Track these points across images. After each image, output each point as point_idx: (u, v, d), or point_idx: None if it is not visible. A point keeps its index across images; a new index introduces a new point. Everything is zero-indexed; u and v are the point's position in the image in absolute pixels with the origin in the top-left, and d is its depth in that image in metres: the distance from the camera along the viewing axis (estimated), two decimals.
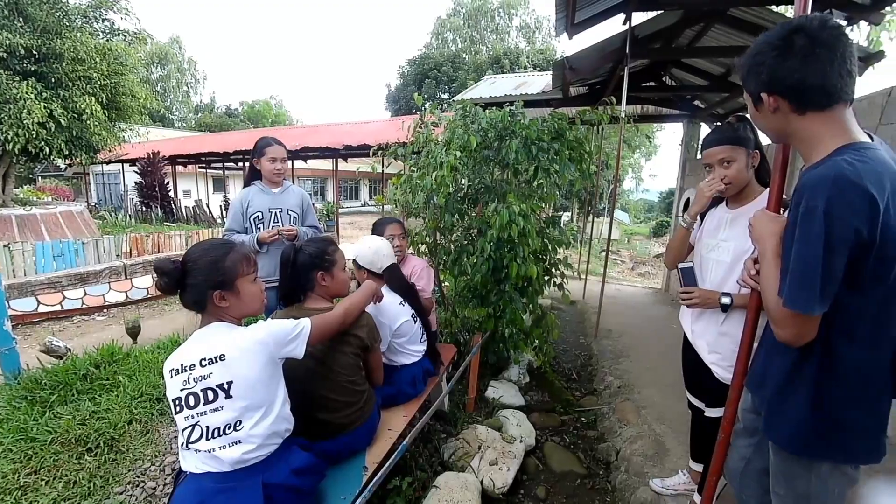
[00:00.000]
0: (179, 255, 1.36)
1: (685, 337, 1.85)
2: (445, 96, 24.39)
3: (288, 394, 1.70)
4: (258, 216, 2.59)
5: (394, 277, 2.13)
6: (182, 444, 1.27)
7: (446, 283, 3.52)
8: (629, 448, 2.59)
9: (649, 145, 18.68)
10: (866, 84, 16.43)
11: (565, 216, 16.35)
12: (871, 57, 4.77)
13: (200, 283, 1.29)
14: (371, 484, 1.52)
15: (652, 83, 6.84)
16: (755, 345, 1.58)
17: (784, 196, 1.27)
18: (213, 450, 1.23)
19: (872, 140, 1.02)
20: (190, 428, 1.24)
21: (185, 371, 1.26)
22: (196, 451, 1.24)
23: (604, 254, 4.97)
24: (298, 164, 15.76)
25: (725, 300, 1.60)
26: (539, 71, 10.21)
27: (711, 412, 1.78)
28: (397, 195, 2.86)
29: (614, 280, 8.01)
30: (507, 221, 2.36)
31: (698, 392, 1.86)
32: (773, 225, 1.13)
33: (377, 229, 2.62)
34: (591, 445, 2.87)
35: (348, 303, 1.66)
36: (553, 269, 3.07)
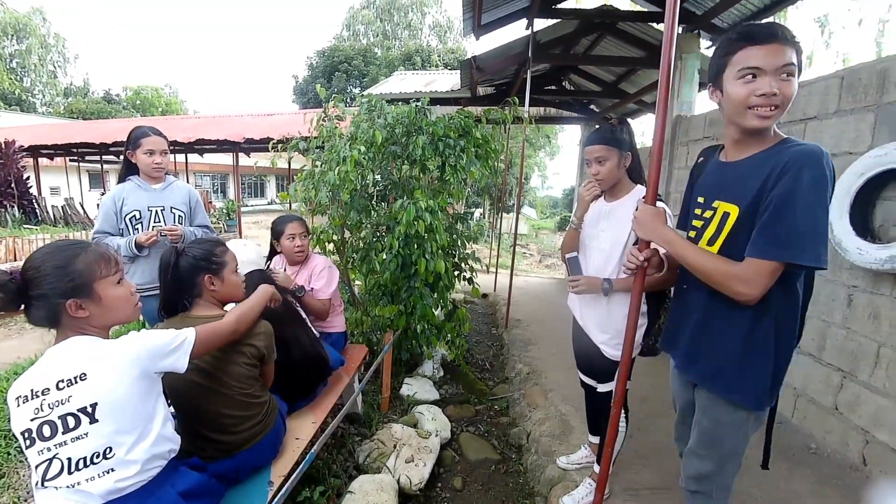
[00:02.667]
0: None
1: (574, 321, 2.00)
2: (357, 90, 23.81)
3: (174, 412, 1.55)
4: (135, 216, 2.28)
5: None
6: (36, 484, 1.07)
7: (358, 282, 3.43)
8: (538, 430, 2.73)
9: (551, 145, 19.95)
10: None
11: (477, 212, 16.86)
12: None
13: (48, 294, 1.09)
14: (276, 499, 1.43)
15: (553, 87, 7.30)
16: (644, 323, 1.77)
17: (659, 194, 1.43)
18: (78, 483, 1.05)
19: None
20: (46, 463, 1.05)
21: (37, 397, 1.06)
22: (56, 488, 1.05)
23: (515, 247, 5.19)
24: (194, 158, 14.36)
25: (605, 285, 1.76)
26: (450, 70, 10.37)
27: (603, 387, 1.94)
28: (299, 191, 2.70)
29: (523, 272, 8.43)
30: (414, 217, 2.35)
31: (590, 371, 2.02)
32: (658, 216, 1.30)
33: (276, 228, 2.46)
34: (504, 431, 2.99)
35: (241, 309, 1.52)
36: (462, 264, 3.13)
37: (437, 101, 6.61)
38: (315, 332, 2.17)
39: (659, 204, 1.39)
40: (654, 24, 5.00)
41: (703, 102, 4.79)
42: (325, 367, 2.12)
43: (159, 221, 2.33)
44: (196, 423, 1.53)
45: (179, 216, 2.38)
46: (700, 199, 1.32)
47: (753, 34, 1.12)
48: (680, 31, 4.63)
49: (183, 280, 1.52)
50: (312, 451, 1.71)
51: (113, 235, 2.27)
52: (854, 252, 2.17)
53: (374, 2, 31.28)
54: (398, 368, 3.20)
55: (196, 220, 2.47)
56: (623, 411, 1.93)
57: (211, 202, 15.39)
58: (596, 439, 2.16)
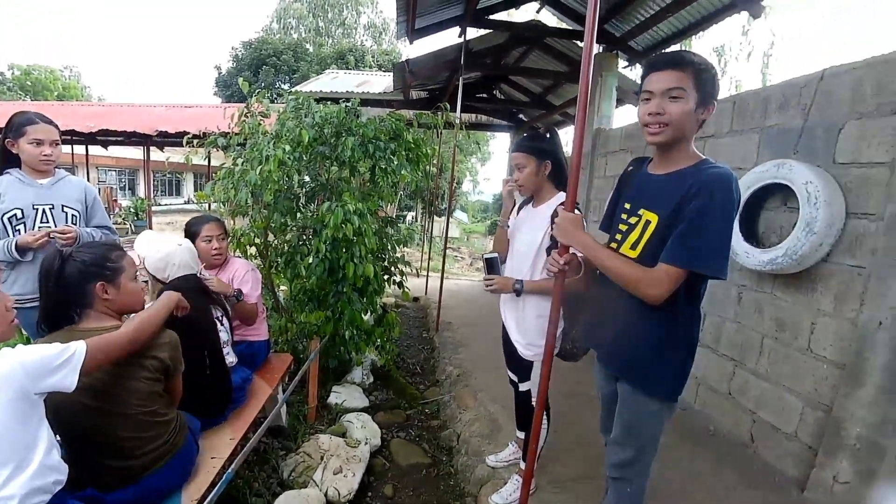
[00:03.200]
0: None
1: (503, 322, 2.05)
2: (286, 86, 22.76)
3: (62, 438, 1.36)
4: (15, 215, 1.95)
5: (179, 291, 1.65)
6: None
7: (283, 288, 3.26)
8: (468, 431, 2.77)
9: (482, 151, 20.47)
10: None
11: (409, 216, 16.84)
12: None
13: None
14: None
15: (484, 95, 7.50)
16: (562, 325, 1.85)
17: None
18: None
19: None
20: None
21: None
22: None
23: (446, 250, 5.23)
24: (97, 150, 12.88)
25: (517, 286, 1.83)
26: (384, 72, 10.26)
27: (522, 386, 2.01)
28: (217, 191, 2.51)
29: (454, 276, 8.54)
30: (343, 220, 2.28)
31: (512, 369, 2.09)
32: (576, 223, 1.38)
33: (192, 229, 2.27)
34: (435, 434, 2.99)
35: (141, 318, 1.37)
36: (393, 268, 3.09)
37: (369, 102, 6.52)
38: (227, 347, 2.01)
39: (578, 212, 1.48)
40: (578, 42, 5.32)
41: (620, 117, 5.19)
42: (227, 392, 1.95)
43: (47, 222, 2.00)
44: (90, 449, 1.36)
45: (73, 216, 2.07)
46: (627, 206, 1.43)
47: (652, 62, 1.29)
48: (600, 51, 4.97)
49: (70, 289, 1.34)
50: (229, 470, 1.59)
51: None
52: (743, 255, 2.44)
53: None
54: (326, 376, 3.08)
55: (94, 220, 2.17)
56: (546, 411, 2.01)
57: (116, 200, 13.88)
58: (522, 434, 2.22)
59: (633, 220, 1.37)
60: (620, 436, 1.47)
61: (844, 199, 2.09)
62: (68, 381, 1.09)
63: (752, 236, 2.52)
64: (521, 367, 1.97)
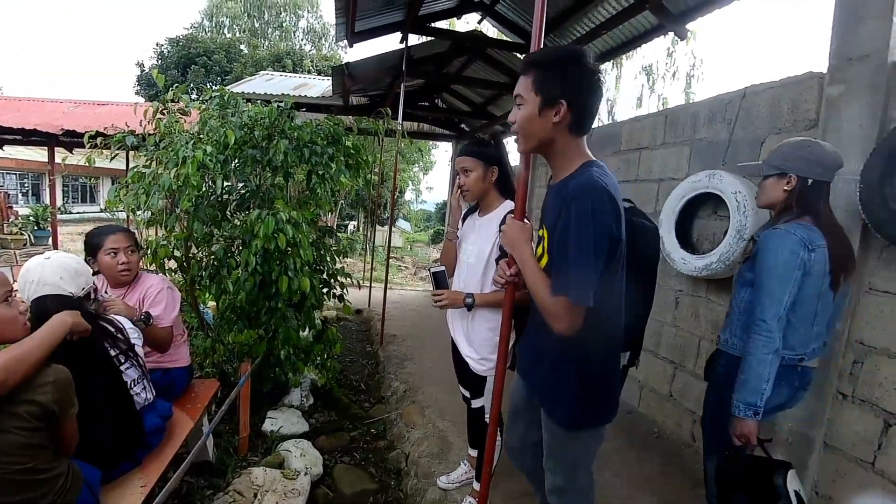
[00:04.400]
0: None
1: (452, 337, 1.96)
2: (216, 87, 21.49)
3: None
4: None
5: (38, 318, 1.37)
6: None
7: (211, 304, 2.95)
8: (417, 451, 2.63)
9: (424, 160, 20.49)
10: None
11: (351, 225, 16.43)
12: None
13: None
14: None
15: (426, 103, 7.46)
16: (514, 337, 1.78)
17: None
18: None
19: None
20: None
21: None
22: None
23: (388, 261, 5.07)
24: None
25: (469, 300, 1.75)
26: (323, 77, 9.95)
27: (475, 402, 1.92)
28: (124, 196, 2.19)
29: (398, 286, 8.37)
30: (274, 230, 2.07)
31: (464, 384, 2.00)
32: (523, 232, 1.26)
33: (93, 241, 1.96)
34: (382, 456, 2.82)
35: (12, 353, 1.10)
36: (332, 281, 2.90)
37: (306, 106, 6.24)
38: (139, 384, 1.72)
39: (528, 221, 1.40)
40: (518, 54, 5.43)
41: None
42: (136, 434, 1.64)
43: None
44: None
45: None
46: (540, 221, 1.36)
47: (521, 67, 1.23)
48: None
49: None
50: None
51: None
52: (679, 262, 2.53)
53: None
54: (259, 401, 2.80)
55: None
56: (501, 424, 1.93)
57: (11, 207, 12.22)
58: (475, 452, 2.13)
59: (541, 233, 1.31)
60: (546, 458, 1.41)
61: None
62: None
63: (686, 243, 2.62)
64: (473, 382, 1.89)
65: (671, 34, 4.28)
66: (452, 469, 2.32)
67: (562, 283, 1.09)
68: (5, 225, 10.59)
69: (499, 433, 1.93)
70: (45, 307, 1.41)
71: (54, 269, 1.47)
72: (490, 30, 6.82)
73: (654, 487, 2.26)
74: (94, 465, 1.45)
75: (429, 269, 1.86)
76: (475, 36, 5.29)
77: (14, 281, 1.41)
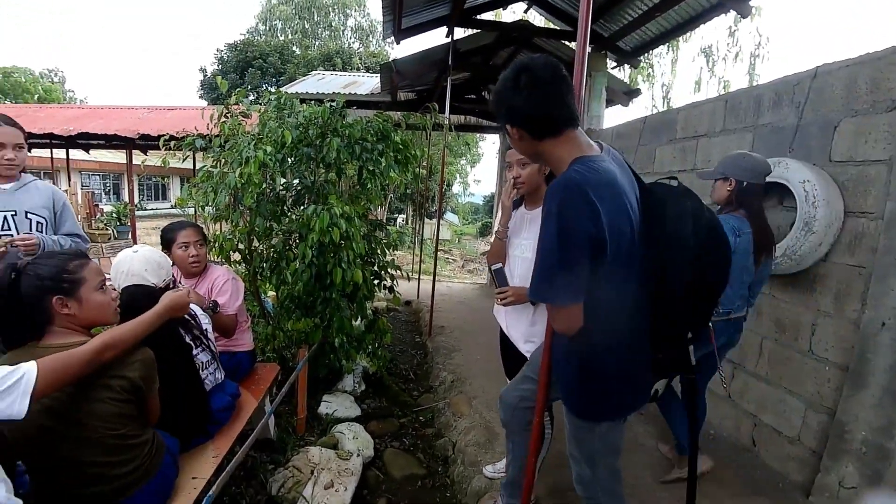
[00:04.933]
0: None
1: (501, 330, 1.98)
2: (273, 89, 22.51)
3: (26, 465, 1.27)
4: None
5: (123, 303, 1.56)
6: None
7: (271, 294, 3.15)
8: (464, 439, 2.69)
9: (471, 153, 20.41)
10: (629, 112, 20.89)
11: (400, 218, 16.73)
12: (633, 92, 6.05)
13: None
14: None
15: (473, 95, 7.44)
16: None
17: None
18: None
19: (602, 151, 1.19)
20: None
21: None
22: None
23: (437, 253, 5.15)
24: (79, 154, 12.55)
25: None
26: (371, 74, 10.17)
27: None
28: (195, 194, 2.39)
29: (446, 278, 8.47)
30: (329, 224, 2.18)
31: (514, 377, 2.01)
32: None
33: (167, 236, 2.16)
34: (430, 443, 2.90)
35: (115, 334, 1.25)
36: (382, 272, 3.00)
37: (356, 103, 6.42)
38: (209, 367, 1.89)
39: None
40: (567, 42, 5.29)
41: (610, 117, 5.16)
42: (203, 416, 1.79)
43: (9, 230, 1.88)
44: (54, 477, 1.25)
45: (38, 223, 1.95)
46: None
47: None
48: (589, 51, 4.94)
49: (25, 304, 1.23)
50: (212, 491, 1.49)
51: None
52: None
53: None
54: (315, 386, 2.97)
55: (63, 227, 2.04)
56: (548, 415, 1.94)
57: (97, 205, 13.52)
58: None
59: None
60: (568, 447, 1.43)
61: (843, 197, 2.06)
62: (16, 408, 0.99)
63: None
64: None
65: (733, 12, 4.01)
66: (498, 459, 2.36)
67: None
68: (93, 221, 11.73)
69: (549, 424, 1.95)
70: (131, 295, 1.60)
71: (141, 261, 1.67)
72: (537, 19, 6.68)
73: (707, 490, 2.18)
74: (172, 437, 1.62)
75: (489, 268, 1.87)
76: (522, 26, 5.21)
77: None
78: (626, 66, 6.06)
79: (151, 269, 1.67)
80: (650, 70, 10.71)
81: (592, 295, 1.11)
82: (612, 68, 5.32)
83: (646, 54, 6.46)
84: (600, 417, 1.31)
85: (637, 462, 2.33)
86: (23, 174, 2.00)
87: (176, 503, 1.47)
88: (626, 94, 5.99)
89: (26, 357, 1.08)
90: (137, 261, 1.66)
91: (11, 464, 1.21)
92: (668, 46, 10.18)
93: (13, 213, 1.90)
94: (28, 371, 1.02)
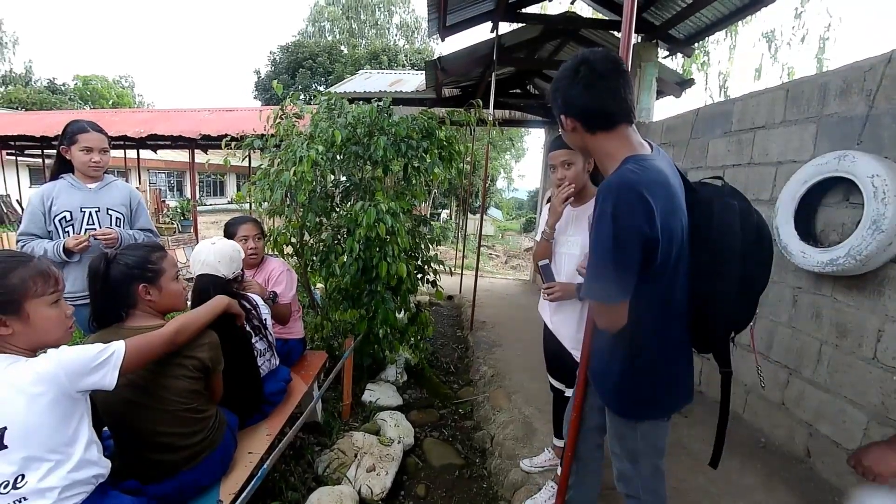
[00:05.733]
0: None
1: (545, 326, 1.99)
2: (322, 88, 23.31)
3: (111, 431, 1.42)
4: (65, 217, 2.08)
5: (195, 290, 1.78)
6: None
7: (320, 286, 3.32)
8: (502, 433, 2.72)
9: (515, 148, 20.20)
10: (682, 104, 19.87)
11: (444, 213, 16.85)
12: (686, 83, 5.78)
13: None
14: None
15: (518, 90, 7.37)
16: None
17: None
18: None
19: (652, 150, 1.19)
20: None
21: None
22: None
23: (480, 248, 5.18)
24: (148, 154, 13.60)
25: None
26: (417, 70, 10.31)
27: (569, 392, 1.94)
28: (253, 192, 2.57)
29: (489, 274, 8.48)
30: (375, 220, 2.28)
31: (560, 375, 2.02)
32: None
33: (229, 230, 2.35)
34: (469, 435, 2.96)
35: (185, 319, 1.41)
36: (426, 267, 3.08)
37: (402, 101, 6.54)
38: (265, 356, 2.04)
39: None
40: (615, 33, 5.13)
41: (660, 109, 4.96)
42: (258, 395, 1.95)
43: (93, 224, 2.13)
44: (133, 443, 1.42)
45: (117, 218, 2.20)
46: None
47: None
48: (639, 41, 4.77)
49: (115, 290, 1.40)
50: (265, 466, 1.62)
51: (41, 238, 2.07)
52: (798, 255, 2.27)
53: None
54: (360, 374, 3.11)
55: (137, 223, 2.29)
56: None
57: (164, 201, 14.62)
58: (561, 443, 2.16)
59: None
60: (610, 443, 1.44)
61: None
62: (108, 379, 1.13)
63: (808, 235, 2.34)
64: (574, 373, 1.90)
65: None
66: (536, 454, 2.37)
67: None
68: (160, 216, 12.70)
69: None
70: (203, 284, 1.79)
71: (216, 253, 1.85)
72: (584, 9, 6.51)
73: (756, 499, 2.10)
74: (232, 414, 1.77)
75: (538, 265, 1.89)
76: (568, 17, 5.09)
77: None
78: (679, 55, 5.79)
79: (224, 262, 1.85)
80: (705, 58, 10.12)
81: (639, 294, 1.11)
82: (664, 58, 5.11)
83: (700, 42, 6.14)
84: (642, 416, 1.31)
85: (681, 465, 2.27)
86: (105, 174, 2.24)
87: (234, 473, 1.62)
88: (679, 84, 5.73)
89: (114, 337, 1.24)
90: (214, 253, 1.84)
91: (98, 430, 1.38)
92: (726, 32, 9.60)
93: (97, 209, 2.15)
94: (118, 349, 1.17)
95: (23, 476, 0.99)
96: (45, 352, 1.09)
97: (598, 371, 1.37)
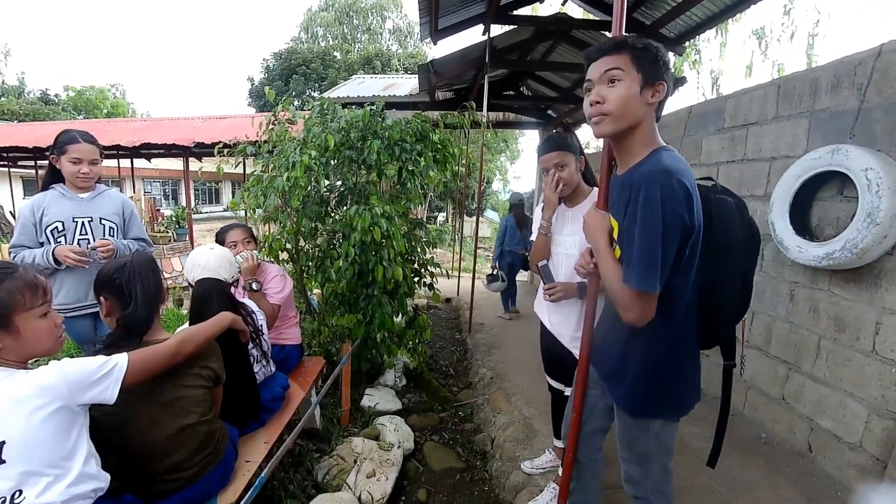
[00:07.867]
0: None
1: (542, 326, 1.98)
2: (316, 94, 23.30)
3: (113, 447, 1.40)
4: (57, 227, 2.05)
5: (198, 294, 1.78)
6: None
7: (317, 291, 3.30)
8: (502, 435, 2.71)
9: (510, 149, 20.24)
10: (674, 102, 20.01)
11: (440, 216, 16.85)
12: (678, 81, 5.81)
13: None
14: None
15: (511, 92, 7.38)
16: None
17: None
18: None
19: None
20: None
21: None
22: None
23: (476, 251, 5.18)
24: (142, 163, 13.55)
25: (581, 291, 1.75)
26: (410, 74, 10.33)
27: (568, 391, 1.93)
28: (246, 198, 2.56)
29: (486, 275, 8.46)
30: (370, 224, 2.27)
31: (558, 375, 2.01)
32: (603, 221, 1.27)
33: (220, 237, 2.35)
34: (469, 438, 2.94)
35: (189, 333, 1.40)
36: (423, 270, 3.07)
37: (395, 105, 6.54)
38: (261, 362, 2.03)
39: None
40: (606, 33, 5.15)
41: None
42: (254, 405, 1.94)
43: (86, 234, 2.10)
44: (135, 462, 1.36)
45: (110, 228, 2.17)
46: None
47: (588, 54, 1.17)
48: None
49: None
50: (263, 473, 1.60)
51: (32, 249, 2.03)
52: (794, 250, 2.28)
53: (333, 4, 30.72)
54: (358, 379, 3.09)
55: (131, 232, 2.26)
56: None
57: (159, 210, 14.56)
58: (561, 444, 2.15)
59: (613, 223, 1.28)
60: (620, 447, 1.40)
61: None
62: (108, 393, 1.11)
63: (804, 229, 2.34)
64: (571, 372, 1.89)
65: None
66: (537, 455, 2.36)
67: (629, 271, 1.09)
68: (155, 225, 12.64)
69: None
70: (205, 288, 1.79)
71: (216, 258, 1.86)
72: (575, 10, 6.53)
73: (758, 495, 2.09)
74: (231, 426, 1.75)
75: (537, 266, 1.88)
76: (560, 19, 5.10)
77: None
78: (671, 54, 5.83)
79: (224, 266, 1.86)
80: (697, 56, 10.19)
81: (668, 283, 1.10)
82: None
83: (691, 40, 6.18)
84: (658, 414, 1.28)
85: (683, 463, 2.26)
86: (97, 184, 2.22)
87: (233, 484, 1.59)
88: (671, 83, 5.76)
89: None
90: (214, 257, 1.85)
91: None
92: (717, 30, 9.67)
93: (90, 219, 2.12)
94: (120, 362, 1.15)
95: (21, 492, 0.97)
96: (38, 362, 1.07)
97: (611, 372, 1.34)
